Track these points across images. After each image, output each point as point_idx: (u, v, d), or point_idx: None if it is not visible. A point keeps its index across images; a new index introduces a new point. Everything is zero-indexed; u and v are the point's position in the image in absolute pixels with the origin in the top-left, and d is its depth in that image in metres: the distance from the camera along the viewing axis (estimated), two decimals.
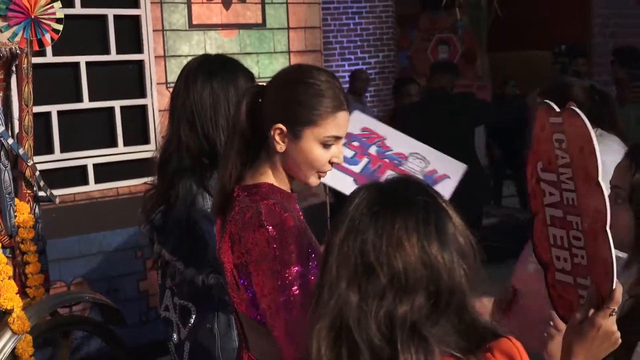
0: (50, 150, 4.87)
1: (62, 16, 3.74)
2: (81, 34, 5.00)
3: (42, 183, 3.69)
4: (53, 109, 4.87)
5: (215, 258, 2.27)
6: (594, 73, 10.77)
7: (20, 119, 3.72)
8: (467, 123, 6.17)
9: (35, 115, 3.84)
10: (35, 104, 3.83)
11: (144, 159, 5.17)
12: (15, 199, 3.60)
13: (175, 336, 2.84)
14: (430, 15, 11.81)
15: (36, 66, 3.86)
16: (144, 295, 5.10)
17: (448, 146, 4.38)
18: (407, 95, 7.50)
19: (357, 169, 4.04)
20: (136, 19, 5.24)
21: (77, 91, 5.03)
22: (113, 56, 5.15)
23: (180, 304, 2.82)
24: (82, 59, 5.01)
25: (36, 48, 3.75)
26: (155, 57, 5.28)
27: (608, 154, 2.23)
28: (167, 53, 5.33)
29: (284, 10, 5.85)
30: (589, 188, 1.68)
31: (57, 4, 3.72)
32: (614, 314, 1.66)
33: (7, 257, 3.45)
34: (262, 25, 5.76)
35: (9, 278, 3.38)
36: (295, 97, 2.04)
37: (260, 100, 2.11)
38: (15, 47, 3.63)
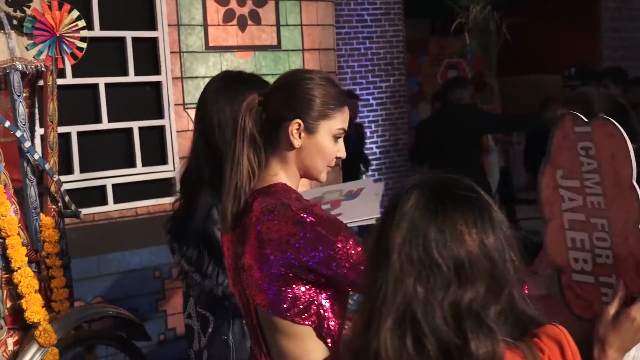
0: (70, 171, 4.91)
1: (86, 34, 3.80)
2: (100, 55, 5.06)
3: (67, 198, 3.72)
4: (73, 129, 4.92)
5: None
6: None
7: (46, 135, 3.77)
8: (473, 132, 6.45)
9: None
10: None
11: (162, 179, 5.20)
12: (41, 214, 3.64)
13: (196, 343, 2.87)
14: (439, 40, 11.88)
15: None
16: (163, 314, 5.11)
17: (457, 156, 4.46)
18: (456, 99, 7.58)
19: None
20: (154, 41, 5.31)
21: (96, 112, 5.08)
22: (131, 77, 5.21)
23: (201, 313, 2.85)
24: (101, 81, 5.08)
25: (60, 65, 3.80)
26: (173, 78, 5.33)
27: None
28: (184, 74, 5.39)
29: (299, 32, 5.92)
30: (620, 191, 1.79)
31: (81, 22, 3.78)
32: None
33: (33, 271, 3.48)
34: (277, 47, 5.82)
35: (35, 292, 3.41)
36: (308, 94, 2.15)
37: (262, 105, 2.18)
38: (40, 65, 3.69)
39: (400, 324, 1.43)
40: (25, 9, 3.68)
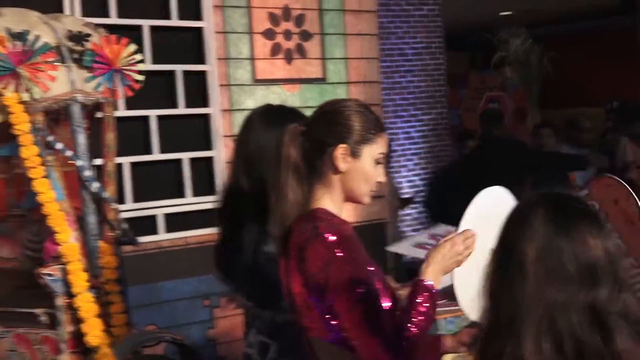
0: (122, 200, 5.00)
1: (143, 67, 3.92)
2: (152, 88, 5.17)
3: (126, 226, 3.82)
4: (125, 160, 5.03)
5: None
6: None
7: (104, 165, 3.87)
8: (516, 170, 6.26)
9: None
10: None
11: (212, 209, 5.28)
12: (100, 241, 3.73)
13: None
14: (479, 73, 11.91)
15: None
16: (212, 343, 5.17)
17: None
18: (540, 138, 7.75)
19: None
20: (203, 74, 5.43)
21: (148, 143, 5.20)
22: (181, 110, 5.33)
23: (260, 340, 2.88)
24: (153, 113, 5.20)
25: (117, 97, 3.92)
26: (222, 110, 5.43)
27: None
28: (233, 107, 5.49)
29: (344, 65, 6.01)
30: (632, 228, 1.95)
31: (138, 56, 3.90)
32: None
33: (92, 296, 3.56)
34: (322, 79, 5.91)
35: (95, 316, 3.49)
36: (349, 120, 2.26)
37: (304, 134, 2.26)
38: (99, 97, 3.80)
39: (541, 331, 1.54)
40: (85, 43, 3.81)
